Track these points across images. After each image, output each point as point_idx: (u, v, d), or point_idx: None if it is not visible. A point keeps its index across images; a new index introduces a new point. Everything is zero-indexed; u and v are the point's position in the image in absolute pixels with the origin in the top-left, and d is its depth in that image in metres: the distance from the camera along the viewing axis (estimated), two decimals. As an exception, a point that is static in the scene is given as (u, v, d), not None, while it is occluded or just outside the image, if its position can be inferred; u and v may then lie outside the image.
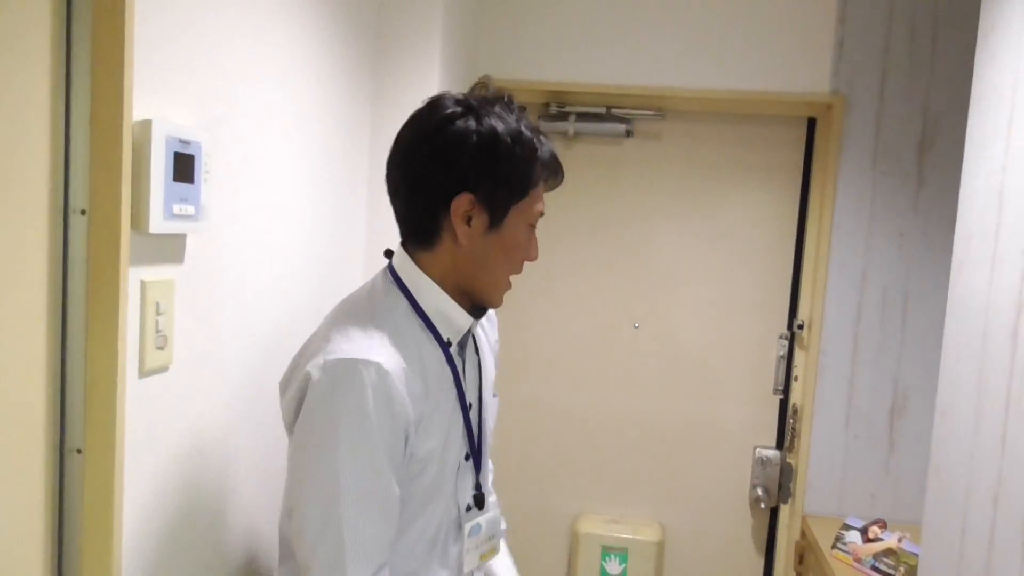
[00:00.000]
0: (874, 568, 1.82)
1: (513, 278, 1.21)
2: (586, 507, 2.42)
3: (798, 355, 2.26)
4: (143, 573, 1.06)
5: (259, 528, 1.39)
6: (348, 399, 1.02)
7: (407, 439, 1.08)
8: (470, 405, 1.22)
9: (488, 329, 1.38)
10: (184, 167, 1.03)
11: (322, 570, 1.05)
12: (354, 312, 1.13)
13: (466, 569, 1.25)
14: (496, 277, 1.18)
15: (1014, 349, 1.28)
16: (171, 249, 1.07)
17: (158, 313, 1.03)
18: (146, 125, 0.97)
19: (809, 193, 2.26)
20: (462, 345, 1.22)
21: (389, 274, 1.18)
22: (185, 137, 1.03)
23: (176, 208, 1.02)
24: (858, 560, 1.86)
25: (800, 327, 2.24)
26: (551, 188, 1.20)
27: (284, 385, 1.12)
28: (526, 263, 1.21)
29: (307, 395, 1.04)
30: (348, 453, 1.02)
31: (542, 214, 1.18)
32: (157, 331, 1.03)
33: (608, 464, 2.40)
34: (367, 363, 1.02)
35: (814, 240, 2.23)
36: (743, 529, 2.36)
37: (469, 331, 1.23)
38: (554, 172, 1.18)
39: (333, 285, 1.68)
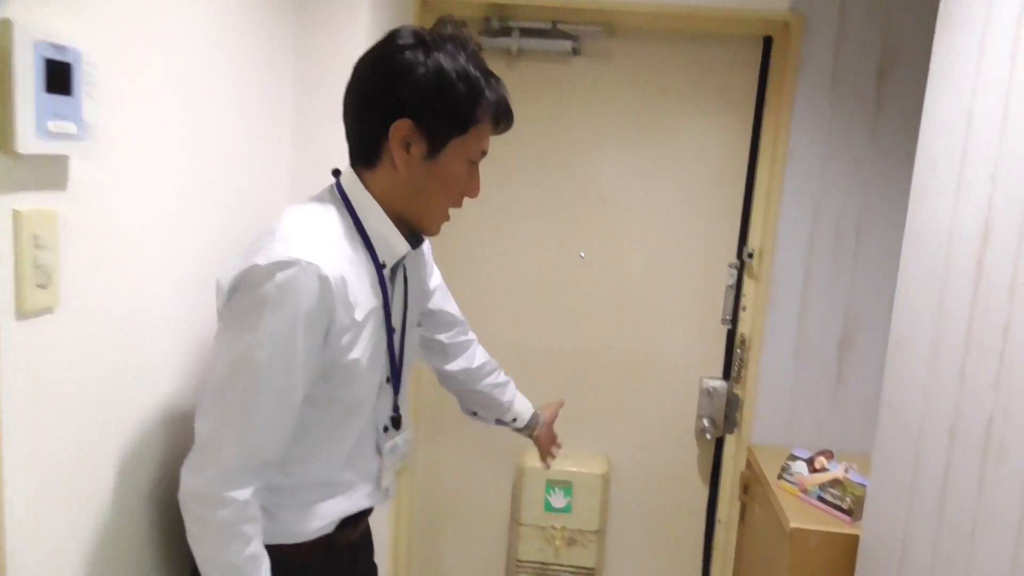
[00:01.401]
0: (820, 499, 1.80)
1: (454, 210, 1.26)
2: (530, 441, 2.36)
3: (747, 285, 2.20)
4: (27, 529, 0.95)
5: (159, 477, 1.28)
6: (282, 294, 1.05)
7: (332, 348, 1.12)
8: (395, 330, 1.27)
9: (420, 264, 1.43)
10: (59, 77, 0.88)
11: (202, 441, 1.10)
12: (302, 218, 1.16)
13: (384, 484, 1.34)
14: (432, 205, 1.23)
15: (977, 280, 1.22)
16: (50, 174, 0.92)
17: (37, 247, 0.89)
18: (6, 26, 0.81)
19: (763, 118, 2.16)
20: (394, 270, 1.27)
21: (336, 190, 1.22)
22: (59, 42, 0.88)
23: (52, 125, 0.88)
24: (804, 491, 1.84)
25: (750, 256, 2.18)
26: (499, 132, 1.24)
27: (222, 280, 1.12)
28: (468, 199, 1.26)
29: (242, 283, 1.07)
30: (267, 340, 1.06)
31: (484, 153, 1.23)
32: (37, 267, 0.90)
33: (553, 397, 2.33)
34: (308, 264, 1.06)
35: (767, 167, 2.14)
36: (688, 460, 2.34)
37: (403, 258, 1.27)
38: (502, 116, 1.22)
39: (252, 217, 1.54)
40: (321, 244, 1.11)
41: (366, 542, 1.47)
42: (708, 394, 2.27)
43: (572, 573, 2.30)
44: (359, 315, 1.16)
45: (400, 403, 1.35)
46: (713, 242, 2.25)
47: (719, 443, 2.31)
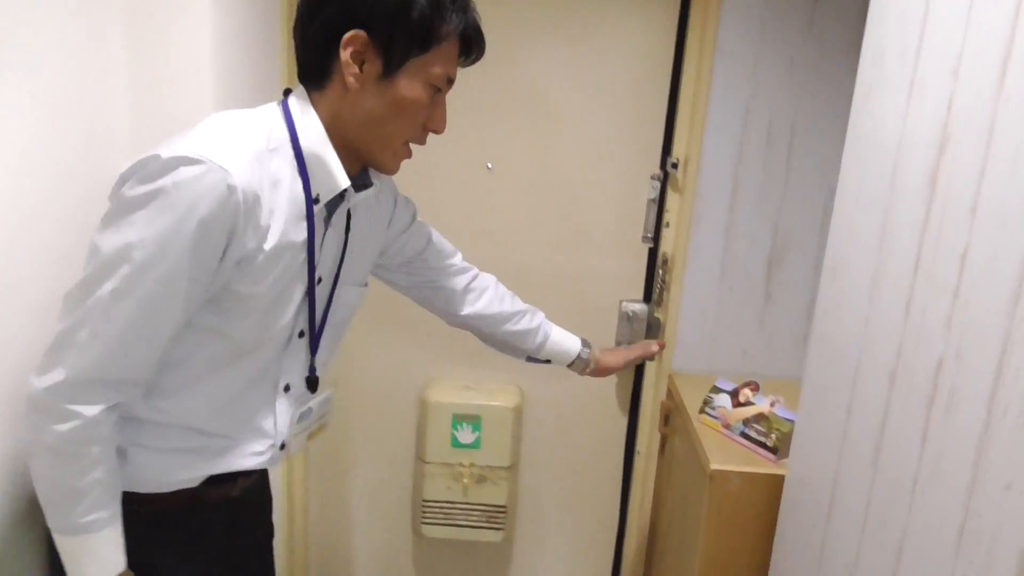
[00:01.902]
0: (744, 435, 1.65)
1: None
2: (436, 373, 2.16)
3: (671, 198, 1.99)
4: None
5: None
6: (179, 193, 0.92)
7: (227, 272, 1.00)
8: (319, 280, 1.15)
9: (377, 218, 1.30)
10: None
11: (56, 341, 0.96)
12: (226, 122, 1.03)
13: (292, 451, 1.22)
14: (387, 134, 1.10)
15: (930, 197, 1.03)
16: None
17: None
18: None
19: (690, 10, 1.91)
20: (331, 211, 1.13)
21: (281, 107, 1.09)
22: None
23: None
24: (727, 426, 1.69)
25: (674, 166, 1.96)
26: (468, 62, 1.15)
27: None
28: (433, 136, 1.14)
29: (137, 172, 0.94)
30: (151, 240, 0.93)
31: (451, 82, 1.11)
32: None
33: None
34: (218, 168, 0.94)
35: (693, 66, 1.91)
36: (606, 389, 2.17)
37: (344, 200, 1.15)
38: (472, 41, 1.11)
39: (80, 160, 1.24)
40: (240, 153, 0.98)
41: (254, 499, 1.29)
42: (627, 318, 2.09)
43: (482, 512, 2.15)
44: (269, 244, 1.02)
45: (319, 364, 1.22)
46: (635, 151, 2.02)
47: (638, 371, 2.14)
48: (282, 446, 1.21)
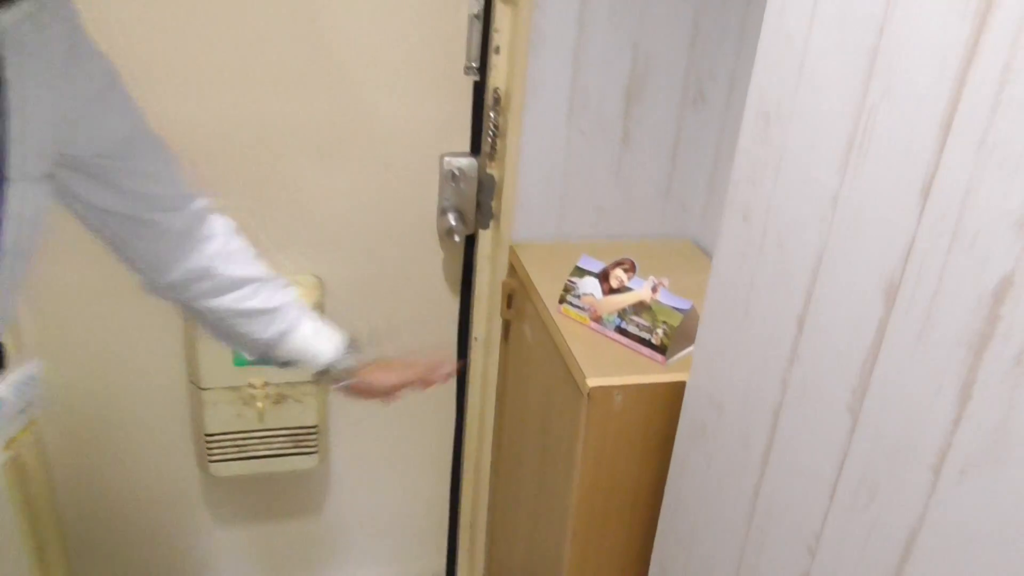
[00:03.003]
0: (621, 330, 1.28)
1: None
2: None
3: (500, 13, 1.47)
4: None
5: None
6: None
7: None
8: None
9: (54, 73, 0.78)
10: None
11: None
12: None
13: None
14: None
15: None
16: None
17: None
18: None
19: None
20: None
21: None
22: None
23: None
24: (597, 319, 1.31)
25: (501, -32, 1.43)
26: None
27: None
28: None
29: None
30: None
31: None
32: None
33: (230, 200, 1.55)
34: None
35: None
36: (431, 270, 1.71)
37: None
38: None
39: None
40: None
41: None
42: (452, 177, 1.61)
43: (288, 437, 1.69)
44: None
45: None
46: (445, -54, 1.46)
47: (471, 242, 1.70)
48: None
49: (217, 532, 1.86)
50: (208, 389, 1.60)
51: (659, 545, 1.23)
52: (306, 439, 1.71)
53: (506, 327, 1.69)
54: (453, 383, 1.83)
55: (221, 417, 1.64)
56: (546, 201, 1.61)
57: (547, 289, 1.45)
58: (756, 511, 0.97)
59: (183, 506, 1.81)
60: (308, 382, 1.64)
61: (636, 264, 1.29)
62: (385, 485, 1.91)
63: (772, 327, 0.91)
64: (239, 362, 1.59)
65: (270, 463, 1.71)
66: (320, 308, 1.62)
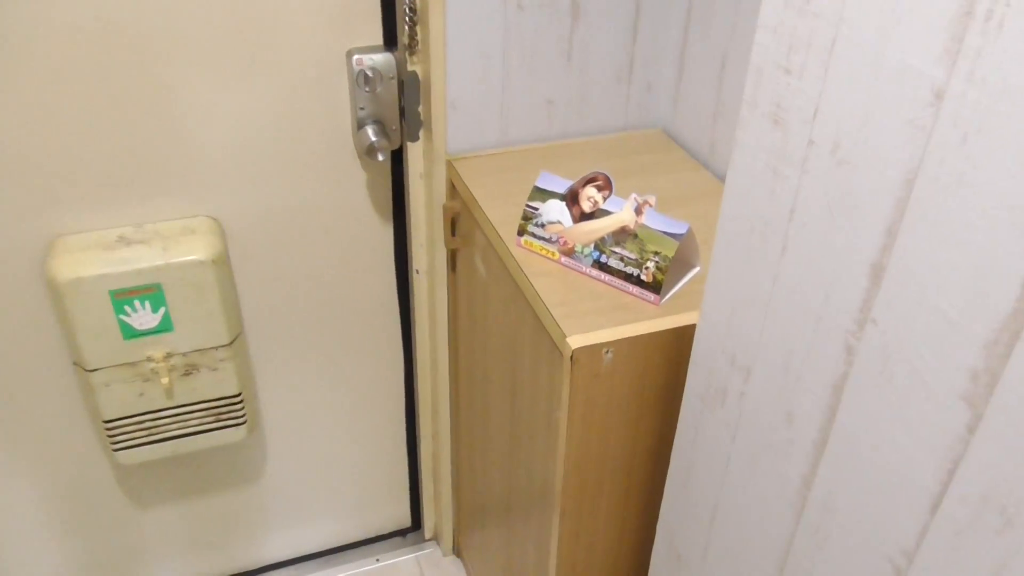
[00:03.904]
0: (600, 265, 1.02)
1: None
2: (65, 223, 1.27)
3: None
4: None
5: None
6: None
7: None
8: None
9: None
10: None
11: None
12: None
13: None
14: None
15: None
16: None
17: None
18: None
19: None
20: None
21: None
22: None
23: None
24: (568, 253, 1.04)
25: None
26: None
27: None
28: None
29: None
30: None
31: None
32: None
33: (95, 134, 1.21)
34: None
35: None
36: (352, 197, 1.41)
37: None
38: None
39: None
40: None
41: None
42: (365, 80, 1.28)
43: (208, 410, 1.42)
44: None
45: None
46: None
47: (398, 159, 1.39)
48: None
49: (141, 518, 1.60)
50: (96, 370, 1.31)
51: (665, 519, 1.02)
52: (229, 410, 1.44)
53: (452, 257, 1.41)
54: (396, 324, 1.56)
55: (118, 400, 1.35)
56: (485, 99, 1.30)
57: (499, 213, 1.17)
58: (808, 503, 0.75)
59: (97, 497, 1.55)
60: (221, 346, 1.36)
61: (612, 179, 1.02)
62: (333, 442, 1.67)
63: (829, 273, 0.66)
64: (130, 334, 1.29)
65: (190, 442, 1.44)
66: (222, 260, 1.31)
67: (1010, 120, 0.48)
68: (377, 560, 1.83)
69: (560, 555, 1.11)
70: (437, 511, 1.82)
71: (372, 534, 1.86)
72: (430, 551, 1.86)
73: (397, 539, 1.88)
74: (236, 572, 1.77)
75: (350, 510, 1.79)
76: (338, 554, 1.84)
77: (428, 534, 1.88)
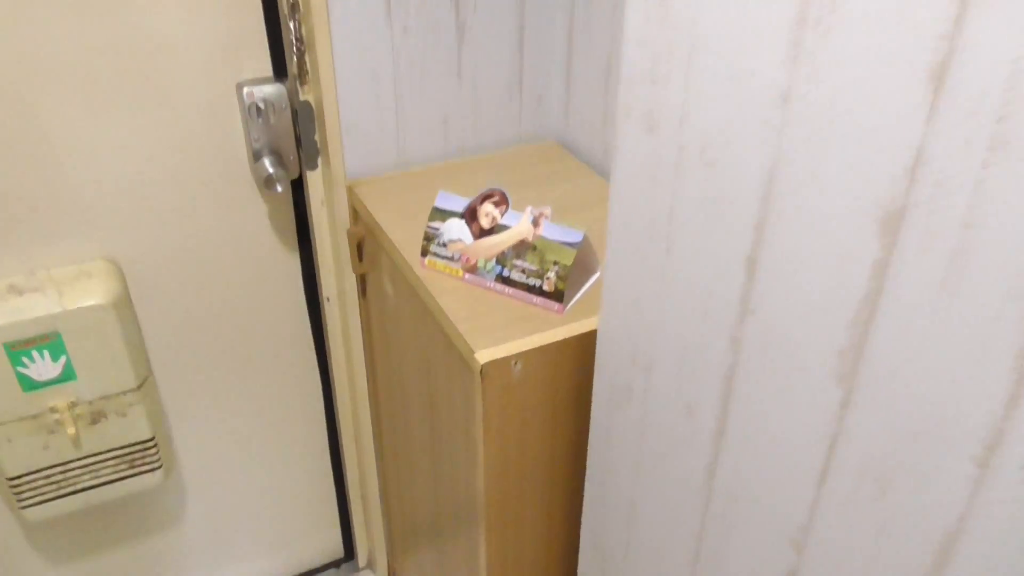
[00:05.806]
0: (502, 279, 1.04)
1: None
2: (-53, 283, 1.22)
3: None
4: None
5: None
6: None
7: None
8: None
9: None
10: None
11: None
12: None
13: None
14: None
15: None
16: None
17: None
18: None
19: None
20: None
21: None
22: None
23: None
24: (471, 269, 1.06)
25: None
26: None
27: None
28: None
29: None
30: None
31: None
32: None
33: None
34: None
35: None
36: (255, 230, 1.39)
37: None
38: None
39: None
40: None
41: None
42: (258, 111, 1.28)
43: (121, 457, 1.38)
44: None
45: None
46: None
47: (298, 188, 1.39)
48: None
49: (53, 574, 1.55)
50: (-4, 428, 1.26)
51: (588, 521, 1.04)
52: (143, 456, 1.40)
53: (362, 281, 1.41)
54: (311, 353, 1.55)
55: (22, 455, 1.30)
56: (380, 122, 1.31)
57: (401, 235, 1.18)
58: (714, 492, 0.78)
59: (7, 557, 1.48)
60: (129, 390, 1.32)
61: (508, 195, 1.04)
62: (255, 477, 1.64)
63: (710, 269, 0.69)
64: (29, 386, 1.25)
65: (103, 492, 1.40)
66: (124, 303, 1.28)
67: (848, 116, 0.52)
68: (312, 593, 1.81)
69: (490, 568, 1.12)
70: (369, 538, 1.81)
71: (305, 568, 1.83)
72: (365, 578, 1.84)
73: (331, 571, 1.86)
74: (165, 622, 1.72)
75: (280, 545, 1.76)
76: (271, 592, 1.80)
77: (362, 562, 1.86)
